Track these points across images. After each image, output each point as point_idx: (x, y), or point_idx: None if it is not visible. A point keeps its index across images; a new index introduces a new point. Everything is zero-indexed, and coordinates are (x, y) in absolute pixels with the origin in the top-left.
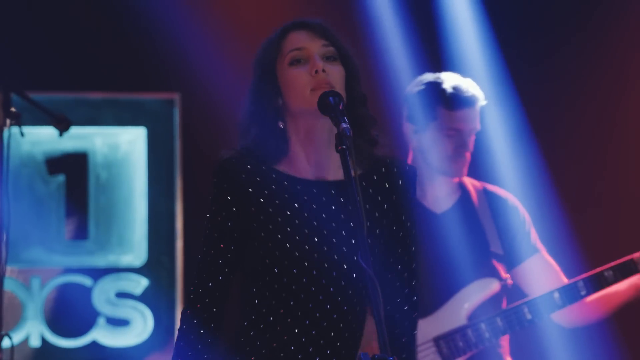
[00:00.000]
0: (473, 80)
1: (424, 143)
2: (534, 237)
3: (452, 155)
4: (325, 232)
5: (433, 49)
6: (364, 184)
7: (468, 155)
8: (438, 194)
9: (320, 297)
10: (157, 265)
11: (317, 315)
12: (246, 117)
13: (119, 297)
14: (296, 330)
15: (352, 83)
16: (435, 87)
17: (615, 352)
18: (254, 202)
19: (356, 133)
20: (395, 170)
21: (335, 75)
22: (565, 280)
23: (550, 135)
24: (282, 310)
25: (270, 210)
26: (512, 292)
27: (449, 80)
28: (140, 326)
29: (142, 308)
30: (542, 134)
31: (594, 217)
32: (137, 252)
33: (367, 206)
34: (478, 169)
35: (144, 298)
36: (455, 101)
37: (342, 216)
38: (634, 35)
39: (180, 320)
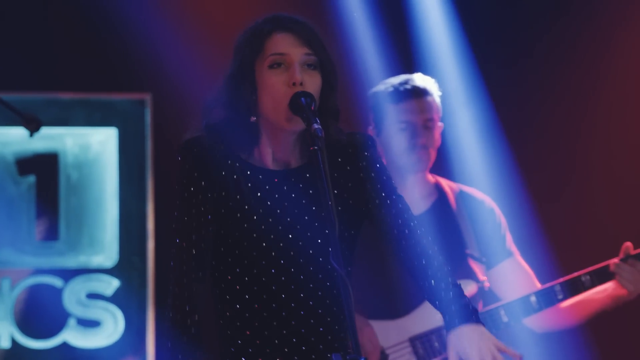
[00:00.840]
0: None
1: (384, 142)
2: (509, 240)
3: (407, 148)
4: (289, 220)
5: (404, 50)
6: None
7: (429, 148)
8: (414, 196)
9: (293, 287)
10: (128, 266)
11: (293, 305)
12: (216, 101)
13: (90, 298)
14: (275, 323)
15: (327, 93)
16: (383, 86)
17: (587, 355)
18: (223, 186)
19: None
20: (352, 143)
21: (312, 85)
22: (538, 285)
23: (521, 135)
24: (257, 305)
25: (238, 197)
26: (488, 294)
27: (399, 78)
28: (111, 327)
29: (113, 309)
30: (514, 134)
31: (568, 219)
32: (108, 252)
33: (336, 191)
34: (451, 169)
35: (115, 299)
36: (399, 94)
37: (304, 201)
38: (604, 35)
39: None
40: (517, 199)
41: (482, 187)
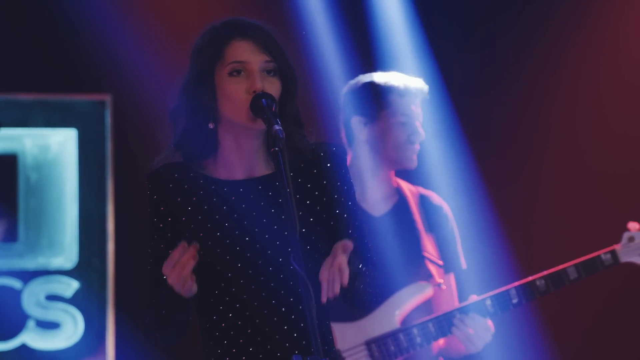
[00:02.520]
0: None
1: (376, 134)
2: (459, 251)
3: (404, 142)
4: (257, 230)
5: (364, 48)
6: (291, 174)
7: (418, 146)
8: (376, 197)
9: (263, 294)
10: (88, 267)
11: (265, 312)
12: (178, 109)
13: (49, 300)
14: (249, 331)
15: (286, 99)
16: (387, 78)
17: (547, 354)
18: (183, 211)
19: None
20: (322, 154)
21: (272, 91)
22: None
23: (482, 135)
24: (231, 314)
25: (200, 217)
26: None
27: (395, 74)
28: (71, 329)
29: (72, 311)
30: (474, 134)
31: (526, 223)
32: (67, 254)
33: (298, 196)
34: (410, 170)
35: (74, 301)
36: (406, 90)
37: (272, 210)
38: (566, 32)
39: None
40: (476, 197)
41: (440, 186)
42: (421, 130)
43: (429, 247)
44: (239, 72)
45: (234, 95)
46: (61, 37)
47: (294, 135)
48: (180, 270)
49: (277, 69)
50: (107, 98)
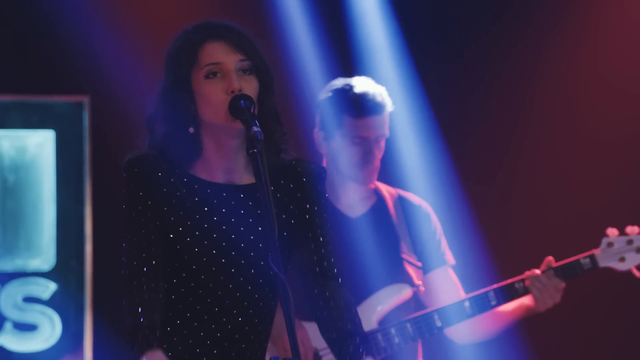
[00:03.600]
0: (382, 82)
1: (333, 150)
2: (444, 247)
3: (359, 162)
4: (234, 237)
5: (343, 51)
6: (271, 187)
7: (377, 162)
8: (352, 199)
9: (227, 302)
10: (65, 269)
11: (224, 320)
12: (156, 116)
13: (27, 302)
14: (202, 334)
15: (265, 96)
16: (342, 94)
17: (524, 355)
18: (167, 202)
19: (265, 143)
20: (299, 170)
21: (250, 90)
22: (464, 297)
23: (459, 137)
24: (189, 314)
25: (181, 213)
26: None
27: (357, 86)
28: (48, 331)
29: (50, 313)
30: (452, 136)
31: (505, 225)
32: (45, 256)
33: (275, 210)
34: (389, 173)
35: (52, 303)
36: (360, 109)
37: (251, 220)
38: (544, 34)
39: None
40: (454, 200)
41: (419, 188)
42: (376, 150)
43: (408, 249)
44: (214, 73)
45: (212, 97)
46: (39, 38)
47: (275, 132)
48: None
49: (252, 67)
50: (85, 99)
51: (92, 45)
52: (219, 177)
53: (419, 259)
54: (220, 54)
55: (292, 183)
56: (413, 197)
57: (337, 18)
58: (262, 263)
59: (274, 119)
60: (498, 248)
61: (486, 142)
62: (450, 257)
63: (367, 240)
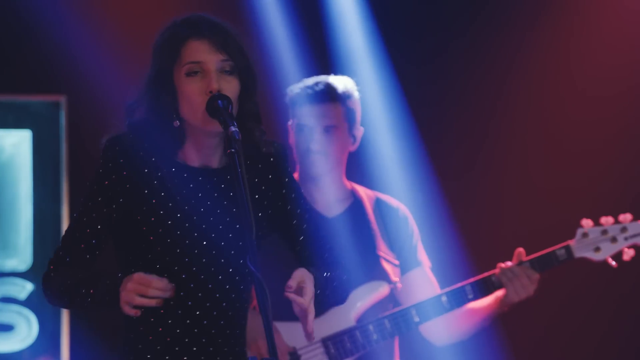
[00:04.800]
0: (360, 82)
1: (292, 142)
2: (420, 250)
3: (304, 151)
4: (212, 219)
5: (320, 50)
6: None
7: (327, 154)
8: (328, 199)
9: (210, 285)
10: (42, 269)
11: (197, 313)
12: (139, 104)
13: (3, 302)
14: (178, 331)
15: (245, 97)
16: (293, 88)
17: (501, 354)
18: (148, 183)
19: (244, 140)
20: (276, 154)
21: (230, 91)
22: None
23: (437, 136)
24: (163, 310)
25: (162, 194)
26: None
27: (312, 79)
28: (25, 331)
29: (26, 313)
30: (430, 134)
31: (481, 220)
32: (21, 256)
33: (257, 196)
34: (366, 171)
35: (28, 303)
36: (304, 97)
37: (225, 202)
38: (517, 38)
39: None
40: (432, 199)
41: (397, 189)
42: (320, 138)
43: (384, 247)
44: (195, 72)
45: (191, 96)
46: (15, 38)
47: (254, 131)
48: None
49: (234, 68)
50: (62, 99)
51: (69, 45)
52: (196, 161)
53: (399, 259)
54: (202, 53)
55: (260, 163)
56: (391, 200)
57: (314, 18)
58: (240, 243)
59: (254, 119)
60: (474, 243)
61: (462, 140)
62: (426, 259)
63: (344, 239)
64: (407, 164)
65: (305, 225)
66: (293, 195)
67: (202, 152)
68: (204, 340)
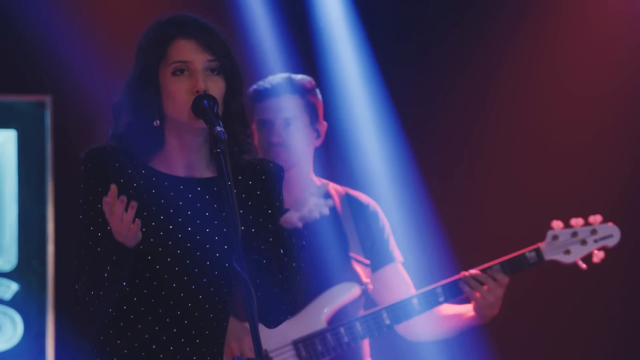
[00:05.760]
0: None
1: (256, 139)
2: (392, 245)
3: (264, 146)
4: (190, 229)
5: (306, 50)
6: (229, 184)
7: (288, 147)
8: (296, 198)
9: (182, 295)
10: (27, 269)
11: (178, 313)
12: (122, 104)
13: None
14: (157, 328)
15: (231, 97)
16: (252, 87)
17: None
18: (124, 193)
19: (228, 142)
20: (259, 168)
21: (216, 91)
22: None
23: (422, 135)
24: (143, 308)
25: (138, 204)
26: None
27: (267, 78)
28: (10, 331)
29: (11, 313)
30: (414, 134)
31: (465, 218)
32: (6, 256)
33: (241, 211)
34: (350, 170)
35: (13, 303)
36: (256, 94)
37: (207, 213)
38: (502, 40)
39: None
40: (417, 198)
41: (382, 188)
42: (280, 131)
43: (356, 247)
44: (182, 71)
45: (176, 95)
46: (0, 37)
47: (239, 134)
48: (120, 211)
49: (220, 68)
50: (47, 99)
51: (55, 44)
52: (179, 171)
53: (367, 257)
54: (189, 53)
55: (251, 180)
56: (361, 196)
57: (300, 19)
58: (217, 255)
59: (239, 119)
60: (459, 242)
61: (447, 140)
62: (398, 255)
63: (315, 239)
64: (393, 163)
65: (281, 250)
66: (274, 214)
67: (186, 155)
68: (182, 340)
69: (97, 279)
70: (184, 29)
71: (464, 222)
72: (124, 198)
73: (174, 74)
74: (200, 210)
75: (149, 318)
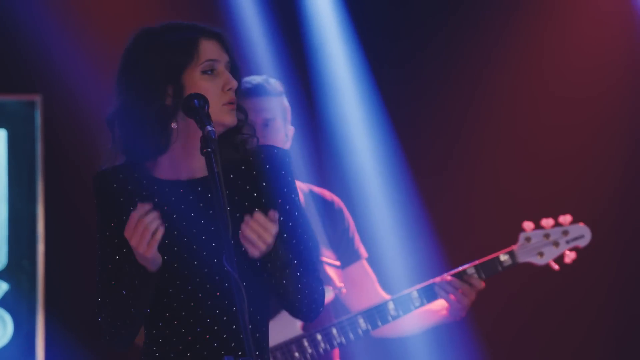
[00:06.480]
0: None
1: None
2: (357, 242)
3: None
4: (195, 231)
5: (297, 51)
6: (231, 176)
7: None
8: None
9: (200, 295)
10: (17, 269)
11: (200, 312)
12: (126, 111)
13: None
14: (183, 330)
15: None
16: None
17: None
18: (126, 211)
19: (231, 134)
20: (262, 156)
21: (236, 88)
22: (381, 292)
23: (412, 136)
24: (167, 314)
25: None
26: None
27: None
28: (0, 331)
29: (1, 313)
30: (404, 134)
31: (453, 217)
32: None
33: (237, 197)
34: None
35: (3, 303)
36: (240, 93)
37: (210, 212)
38: (491, 40)
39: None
40: (407, 196)
41: (372, 186)
42: (265, 132)
43: (324, 248)
44: (212, 70)
45: (209, 94)
46: None
47: (243, 125)
48: (142, 229)
49: (234, 67)
50: (37, 98)
51: (45, 44)
52: (178, 174)
53: (335, 254)
54: (216, 52)
55: (254, 170)
56: (325, 193)
57: (291, 19)
58: (215, 261)
59: (245, 112)
60: (447, 240)
61: (436, 139)
62: (363, 251)
63: None
64: (383, 162)
65: (294, 240)
66: (277, 199)
67: (191, 157)
68: (198, 346)
69: (121, 308)
70: (205, 31)
71: (452, 221)
72: (153, 214)
73: (204, 72)
74: (201, 211)
75: (167, 332)
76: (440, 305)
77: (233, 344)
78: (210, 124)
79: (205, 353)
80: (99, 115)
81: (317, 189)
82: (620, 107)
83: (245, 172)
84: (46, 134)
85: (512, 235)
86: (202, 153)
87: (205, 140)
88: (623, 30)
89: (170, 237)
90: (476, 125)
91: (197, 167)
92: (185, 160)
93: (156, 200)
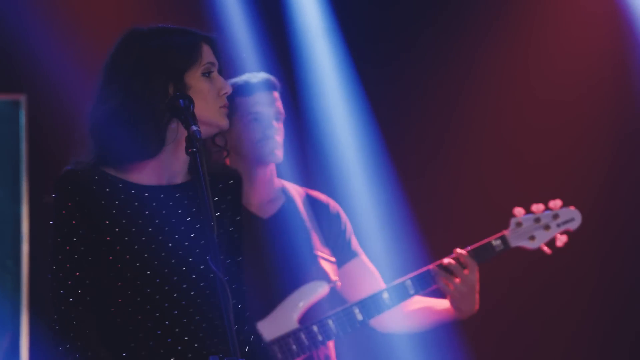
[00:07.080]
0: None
1: (234, 137)
2: (355, 243)
3: (261, 138)
4: (177, 236)
5: (282, 50)
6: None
7: (279, 138)
8: (262, 199)
9: (183, 302)
10: (1, 269)
11: (176, 330)
12: (122, 111)
13: None
14: (162, 351)
15: None
16: (233, 81)
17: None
18: (107, 214)
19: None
20: (236, 180)
21: None
22: (383, 285)
23: (397, 136)
24: (141, 335)
25: (124, 221)
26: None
27: (243, 75)
28: None
29: None
30: (389, 135)
31: (438, 216)
32: None
33: (218, 214)
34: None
35: None
36: (247, 87)
37: (189, 218)
38: (478, 38)
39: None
40: (392, 196)
41: (357, 185)
42: (276, 125)
43: (321, 246)
44: (209, 73)
45: (209, 95)
46: None
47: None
48: None
49: (222, 73)
50: (22, 98)
51: (30, 43)
52: (158, 179)
53: (333, 255)
54: (212, 56)
55: (229, 192)
56: (321, 196)
57: (276, 19)
58: (206, 257)
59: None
60: (432, 238)
61: (421, 140)
62: (361, 251)
63: (280, 240)
64: (368, 161)
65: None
66: (233, 228)
67: (177, 161)
68: (189, 355)
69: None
70: (200, 35)
71: (437, 220)
72: None
73: (204, 74)
74: (181, 216)
75: (151, 343)
76: (444, 301)
77: (219, 346)
78: (195, 124)
79: (189, 356)
80: (84, 115)
81: (313, 192)
82: (604, 108)
83: (222, 193)
84: (31, 133)
85: (495, 232)
86: (187, 153)
87: (191, 140)
88: (608, 32)
89: (155, 242)
90: (461, 125)
91: (178, 172)
92: (170, 165)
93: (136, 204)
